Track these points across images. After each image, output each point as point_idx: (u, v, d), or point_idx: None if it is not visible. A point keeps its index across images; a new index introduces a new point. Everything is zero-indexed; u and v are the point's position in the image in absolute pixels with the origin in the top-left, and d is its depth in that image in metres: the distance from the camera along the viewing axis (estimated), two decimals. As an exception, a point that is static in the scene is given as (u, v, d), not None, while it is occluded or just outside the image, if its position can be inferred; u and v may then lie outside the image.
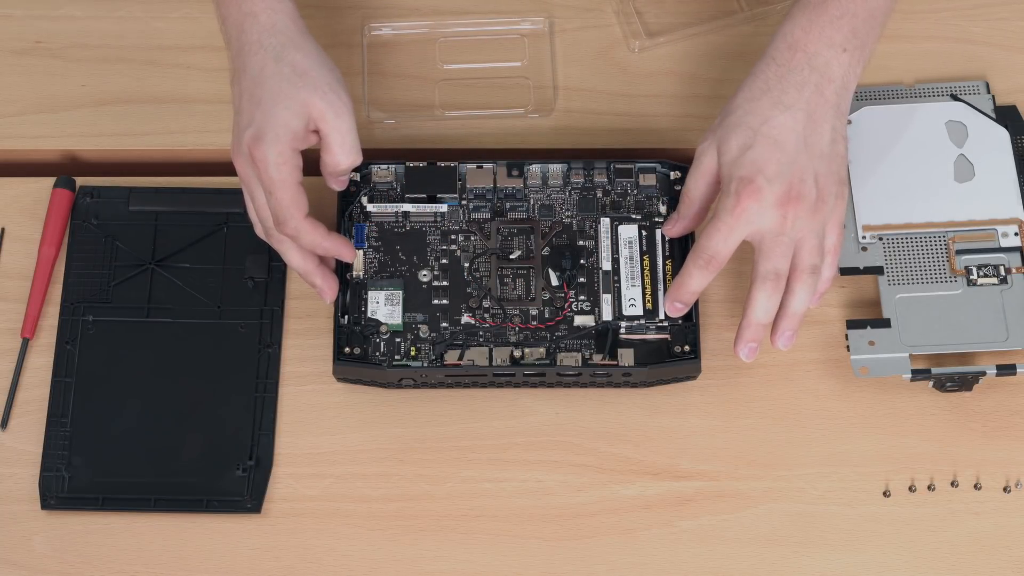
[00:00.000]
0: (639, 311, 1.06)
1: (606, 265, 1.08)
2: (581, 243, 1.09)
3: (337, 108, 1.01)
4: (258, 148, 1.00)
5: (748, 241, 1.01)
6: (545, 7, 1.18)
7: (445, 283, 1.08)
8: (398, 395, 1.07)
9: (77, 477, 1.05)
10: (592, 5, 1.18)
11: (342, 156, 1.02)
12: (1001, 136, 1.12)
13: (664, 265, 1.08)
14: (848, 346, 1.06)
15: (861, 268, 1.09)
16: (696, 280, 1.02)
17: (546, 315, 1.07)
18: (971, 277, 1.08)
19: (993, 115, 1.13)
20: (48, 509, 1.04)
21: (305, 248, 1.04)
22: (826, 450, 1.06)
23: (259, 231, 1.05)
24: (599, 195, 1.10)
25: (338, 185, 1.07)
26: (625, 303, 1.07)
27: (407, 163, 1.10)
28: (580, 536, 1.04)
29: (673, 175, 1.10)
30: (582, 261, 1.08)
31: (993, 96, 1.14)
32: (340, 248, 1.05)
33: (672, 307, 1.04)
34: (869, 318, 1.07)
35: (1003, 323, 1.06)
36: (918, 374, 1.05)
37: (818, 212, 1.00)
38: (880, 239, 1.09)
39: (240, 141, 1.02)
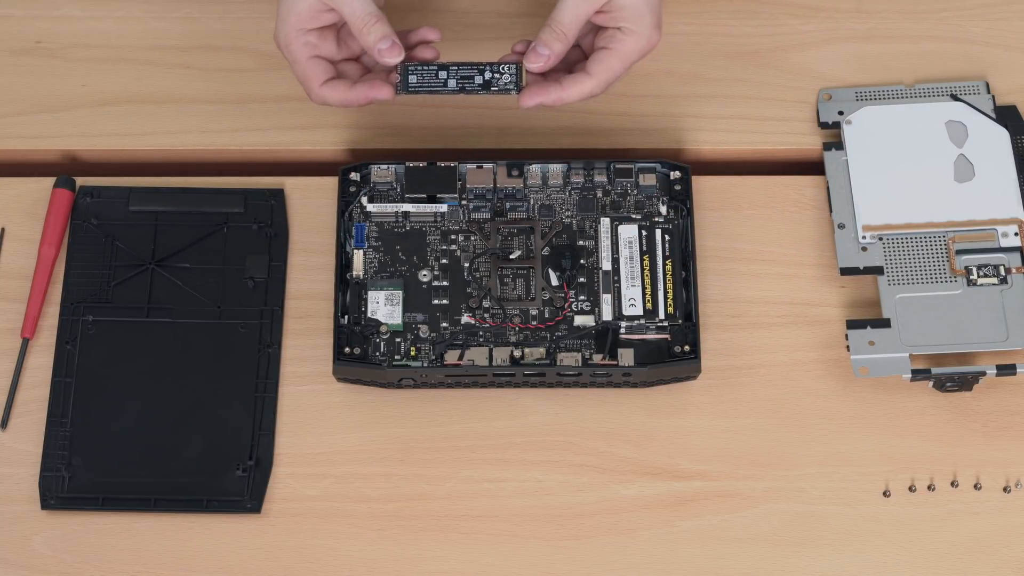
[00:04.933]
0: (639, 311, 1.06)
1: (606, 265, 1.08)
2: (581, 243, 1.09)
3: None
4: (276, 36, 1.07)
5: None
6: (548, 7, 1.18)
7: (445, 283, 1.08)
8: (398, 395, 1.07)
9: (77, 477, 1.05)
10: (592, 5, 1.18)
11: (358, 34, 1.05)
12: (1001, 136, 1.12)
13: (664, 265, 1.08)
14: (848, 346, 1.06)
15: (861, 268, 1.09)
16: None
17: (546, 315, 1.07)
18: (971, 277, 1.08)
19: (993, 115, 1.13)
20: (48, 509, 1.04)
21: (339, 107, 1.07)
22: (826, 450, 1.06)
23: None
24: (599, 195, 1.10)
25: (389, 57, 1.05)
26: (625, 303, 1.07)
27: (407, 163, 1.10)
28: (580, 536, 1.04)
29: (673, 175, 1.10)
30: (582, 261, 1.08)
31: (993, 96, 1.14)
32: (370, 93, 1.06)
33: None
34: (869, 318, 1.07)
35: (1003, 323, 1.06)
36: (918, 374, 1.05)
37: None
38: (880, 239, 1.09)
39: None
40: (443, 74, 1.06)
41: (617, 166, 1.10)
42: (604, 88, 1.06)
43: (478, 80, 1.05)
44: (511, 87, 1.05)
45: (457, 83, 1.05)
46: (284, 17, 1.06)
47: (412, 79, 1.06)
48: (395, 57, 1.05)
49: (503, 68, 1.05)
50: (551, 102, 1.05)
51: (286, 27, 1.06)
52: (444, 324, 1.06)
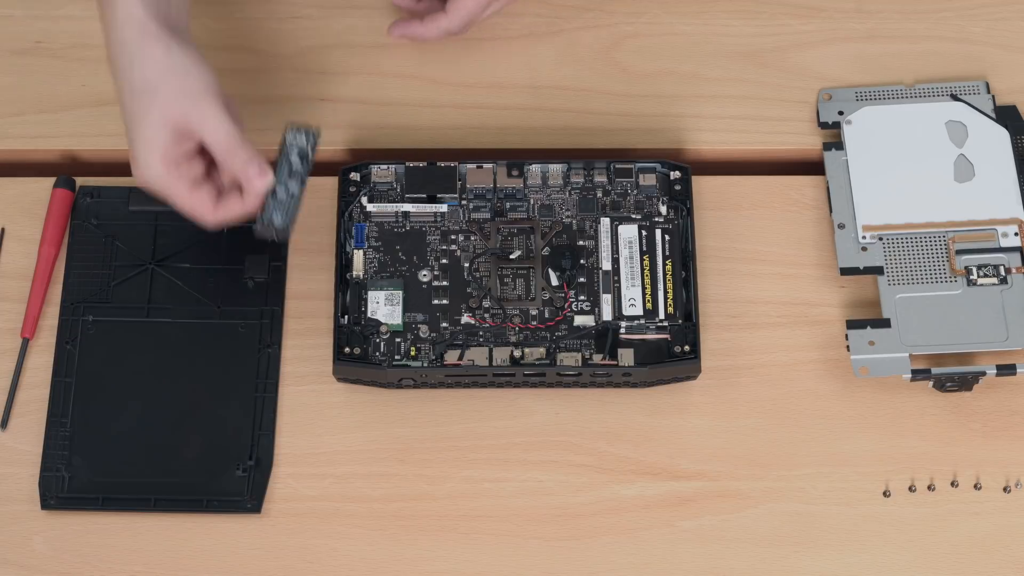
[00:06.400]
0: (639, 311, 1.06)
1: (606, 265, 1.08)
2: (581, 243, 1.09)
3: (200, 115, 0.98)
4: (136, 173, 1.00)
5: None
6: (547, 7, 1.18)
7: (445, 283, 1.08)
8: (398, 395, 1.07)
9: (77, 477, 1.05)
10: (592, 5, 1.19)
11: (223, 161, 1.00)
12: (1001, 136, 1.12)
13: (664, 265, 1.08)
14: (848, 346, 1.06)
15: (861, 268, 1.09)
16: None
17: (546, 315, 1.07)
18: (971, 277, 1.08)
19: (993, 115, 1.13)
20: (48, 509, 1.04)
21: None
22: (826, 450, 1.06)
23: None
24: (599, 195, 1.10)
25: (259, 182, 1.00)
26: (625, 303, 1.07)
27: (407, 163, 1.10)
28: (580, 536, 1.04)
29: (673, 175, 1.10)
30: (582, 261, 1.08)
31: (993, 96, 1.14)
32: (253, 201, 1.00)
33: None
34: (869, 318, 1.07)
35: (1003, 323, 1.06)
36: (918, 374, 1.05)
37: None
38: (880, 239, 1.09)
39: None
40: (280, 192, 1.01)
41: (617, 166, 1.10)
42: (462, 25, 1.09)
43: (296, 161, 1.02)
44: (311, 138, 1.03)
45: (297, 186, 1.01)
46: (147, 154, 0.99)
47: (277, 218, 1.01)
48: (265, 181, 1.00)
49: (290, 135, 1.03)
50: (413, 36, 1.10)
51: (155, 166, 0.99)
52: (444, 324, 1.06)
